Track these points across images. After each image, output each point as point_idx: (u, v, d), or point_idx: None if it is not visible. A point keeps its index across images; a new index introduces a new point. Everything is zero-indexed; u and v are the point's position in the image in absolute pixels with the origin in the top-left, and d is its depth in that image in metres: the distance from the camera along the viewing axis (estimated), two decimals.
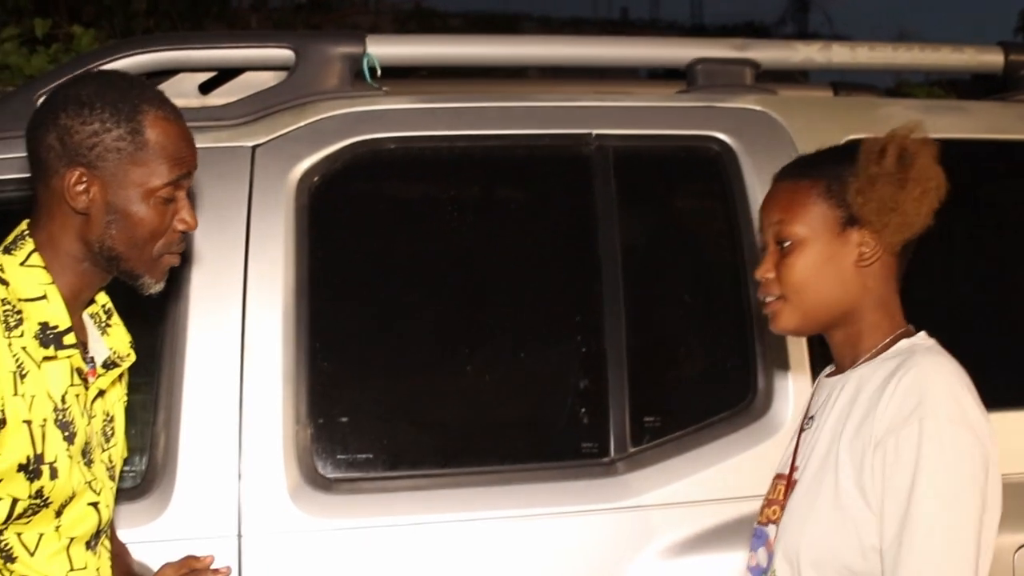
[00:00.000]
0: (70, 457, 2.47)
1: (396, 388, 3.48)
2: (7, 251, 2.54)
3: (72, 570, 2.53)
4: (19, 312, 2.45)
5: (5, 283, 2.47)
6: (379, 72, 3.64)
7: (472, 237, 3.59)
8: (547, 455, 3.45)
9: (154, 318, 3.24)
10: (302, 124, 3.44)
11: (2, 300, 2.44)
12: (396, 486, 3.29)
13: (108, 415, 2.70)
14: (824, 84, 4.52)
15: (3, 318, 2.41)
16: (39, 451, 2.41)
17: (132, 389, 2.91)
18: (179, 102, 3.56)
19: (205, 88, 3.75)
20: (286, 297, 3.27)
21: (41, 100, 3.37)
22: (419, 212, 3.62)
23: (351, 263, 3.48)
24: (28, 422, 2.40)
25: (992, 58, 4.10)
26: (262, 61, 3.62)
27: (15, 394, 2.38)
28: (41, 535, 2.48)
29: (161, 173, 2.52)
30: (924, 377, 2.44)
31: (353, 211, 3.54)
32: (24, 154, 3.03)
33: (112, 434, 2.70)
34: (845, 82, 4.49)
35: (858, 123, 3.64)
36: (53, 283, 2.51)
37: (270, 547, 3.15)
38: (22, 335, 2.43)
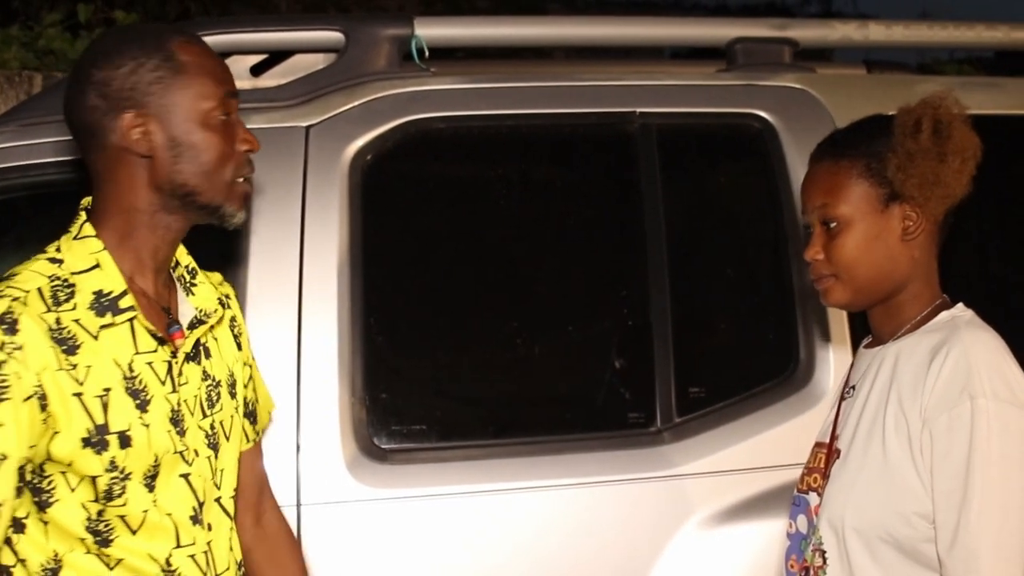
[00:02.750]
0: (146, 425, 2.42)
1: (448, 361, 3.55)
2: (67, 229, 2.52)
3: (179, 546, 2.48)
4: (71, 286, 2.42)
5: (59, 262, 2.45)
6: (427, 53, 3.71)
7: (520, 214, 3.66)
8: (595, 425, 3.52)
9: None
10: (354, 104, 3.51)
11: (51, 277, 2.41)
12: (449, 456, 3.37)
13: (213, 379, 2.63)
14: (857, 62, 4.57)
15: (51, 293, 2.38)
16: (100, 422, 2.36)
17: None
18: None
19: (255, 71, 3.82)
20: (341, 273, 3.34)
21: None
22: (469, 190, 3.68)
23: (404, 240, 3.55)
24: (79, 394, 2.35)
25: None
26: (312, 43, 3.69)
27: (59, 368, 2.34)
28: (145, 512, 2.43)
29: (209, 93, 2.47)
30: (970, 354, 2.48)
31: (405, 189, 3.60)
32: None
33: (218, 399, 2.63)
34: (878, 60, 4.53)
35: (896, 100, 3.61)
36: (105, 250, 2.46)
37: (328, 517, 3.23)
38: (74, 308, 2.40)
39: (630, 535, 3.36)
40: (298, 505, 3.21)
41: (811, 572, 2.66)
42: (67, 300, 2.40)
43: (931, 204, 2.57)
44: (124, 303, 2.44)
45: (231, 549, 2.63)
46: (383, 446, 3.32)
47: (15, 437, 2.29)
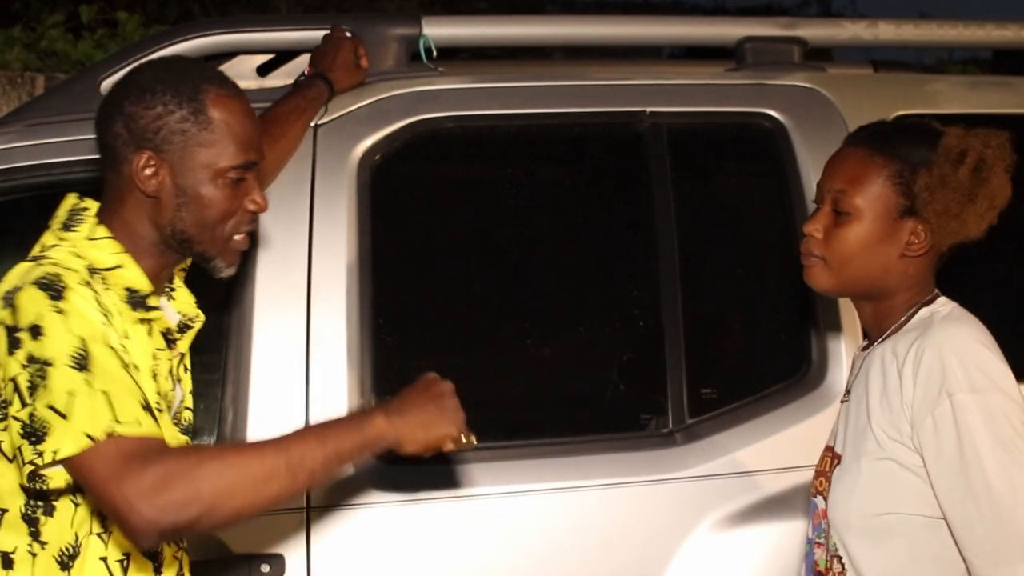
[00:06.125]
0: (159, 410, 2.49)
1: (458, 362, 3.52)
2: (66, 228, 2.55)
3: None
4: (103, 279, 2.47)
5: (79, 256, 2.49)
6: (435, 53, 3.69)
7: (529, 214, 3.63)
8: (607, 427, 3.50)
9: (222, 295, 3.29)
10: (362, 104, 3.48)
11: (86, 267, 2.46)
12: (459, 458, 3.31)
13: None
14: (860, 62, 4.56)
15: (90, 279, 2.44)
16: (146, 396, 2.42)
17: (200, 366, 2.95)
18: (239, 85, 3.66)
19: (262, 71, 3.80)
20: (350, 273, 3.32)
21: (106, 88, 3.47)
22: (478, 190, 3.66)
23: (412, 240, 3.53)
24: (135, 367, 2.41)
25: None
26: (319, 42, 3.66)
27: (122, 338, 2.42)
28: None
29: (229, 155, 2.52)
30: (942, 351, 2.49)
31: (414, 189, 3.59)
32: (89, 136, 3.10)
33: (183, 395, 2.73)
34: (883, 60, 4.51)
35: (906, 100, 3.69)
36: (126, 252, 2.52)
37: (338, 519, 3.21)
38: (116, 295, 2.48)
39: (643, 537, 3.34)
40: (307, 508, 3.19)
41: None
42: (104, 288, 2.46)
43: (942, 234, 2.57)
44: (152, 302, 2.54)
45: None
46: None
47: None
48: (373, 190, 3.42)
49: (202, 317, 2.74)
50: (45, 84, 6.07)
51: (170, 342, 2.62)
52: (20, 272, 2.43)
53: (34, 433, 2.26)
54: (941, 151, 2.57)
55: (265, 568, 3.12)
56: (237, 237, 2.59)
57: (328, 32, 3.55)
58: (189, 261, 2.79)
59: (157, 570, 2.55)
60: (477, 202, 3.64)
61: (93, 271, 2.47)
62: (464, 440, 2.54)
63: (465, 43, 3.88)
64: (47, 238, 2.56)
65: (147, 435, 2.28)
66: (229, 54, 3.72)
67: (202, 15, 9.16)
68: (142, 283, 2.53)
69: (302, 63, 3.71)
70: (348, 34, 3.55)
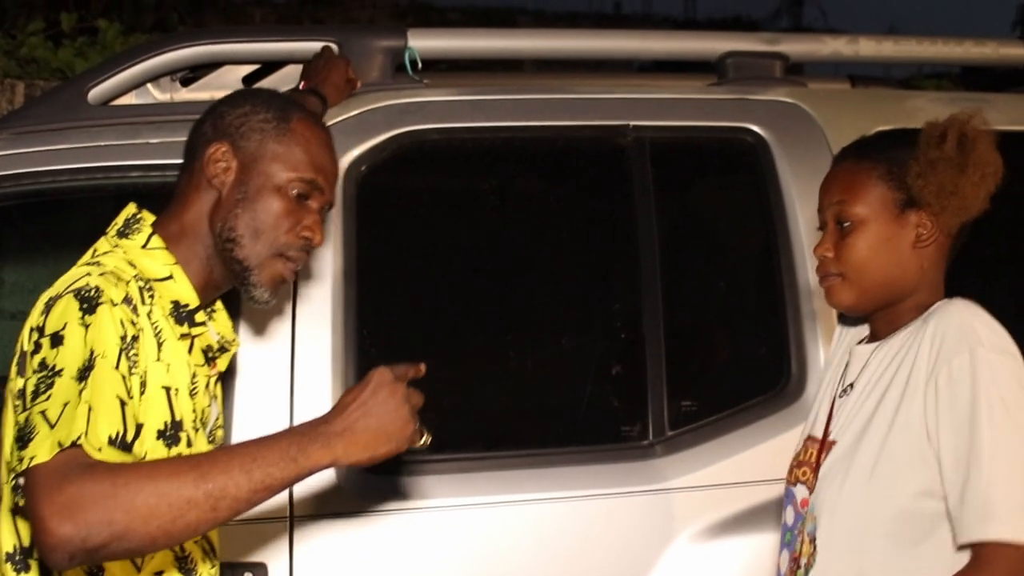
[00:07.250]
0: (196, 429, 2.52)
1: (441, 373, 3.53)
2: (121, 235, 2.57)
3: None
4: (151, 290, 2.48)
5: (134, 266, 2.50)
6: (420, 65, 3.71)
7: (514, 226, 3.66)
8: (587, 439, 3.52)
9: None
10: (348, 115, 3.50)
11: (135, 276, 2.47)
12: (441, 469, 3.35)
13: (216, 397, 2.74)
14: (832, 76, 4.60)
15: (139, 290, 2.44)
16: (177, 417, 2.45)
17: None
18: (223, 94, 3.67)
19: (248, 81, 3.81)
20: (335, 285, 3.34)
21: (93, 97, 3.48)
22: (462, 202, 3.68)
23: (397, 251, 3.55)
24: (167, 388, 2.44)
25: (1014, 51, 4.16)
26: (306, 54, 3.66)
27: (157, 359, 2.42)
28: None
29: (298, 166, 2.57)
30: (963, 314, 2.54)
31: (399, 201, 3.61)
32: (76, 144, 3.09)
33: (219, 414, 2.75)
34: (859, 75, 4.55)
35: (887, 115, 3.71)
36: (177, 263, 2.54)
37: (320, 529, 3.21)
38: (156, 309, 2.47)
39: (622, 549, 3.35)
40: (291, 518, 3.20)
41: (800, 560, 2.69)
42: (151, 300, 2.47)
43: (946, 215, 2.61)
44: (199, 318, 2.56)
45: None
46: None
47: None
48: (359, 201, 3.43)
49: (239, 342, 2.76)
50: (25, 91, 6.08)
51: (209, 360, 2.63)
52: (70, 278, 2.42)
53: (22, 438, 2.19)
54: (923, 137, 2.62)
55: None
56: (282, 261, 2.58)
57: (321, 49, 3.58)
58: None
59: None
60: (462, 213, 3.66)
61: (143, 281, 2.48)
62: (419, 442, 2.46)
63: (451, 55, 3.90)
64: (101, 244, 2.58)
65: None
66: (215, 64, 3.74)
67: (179, 24, 9.16)
68: (190, 296, 2.54)
69: (288, 73, 3.73)
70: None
